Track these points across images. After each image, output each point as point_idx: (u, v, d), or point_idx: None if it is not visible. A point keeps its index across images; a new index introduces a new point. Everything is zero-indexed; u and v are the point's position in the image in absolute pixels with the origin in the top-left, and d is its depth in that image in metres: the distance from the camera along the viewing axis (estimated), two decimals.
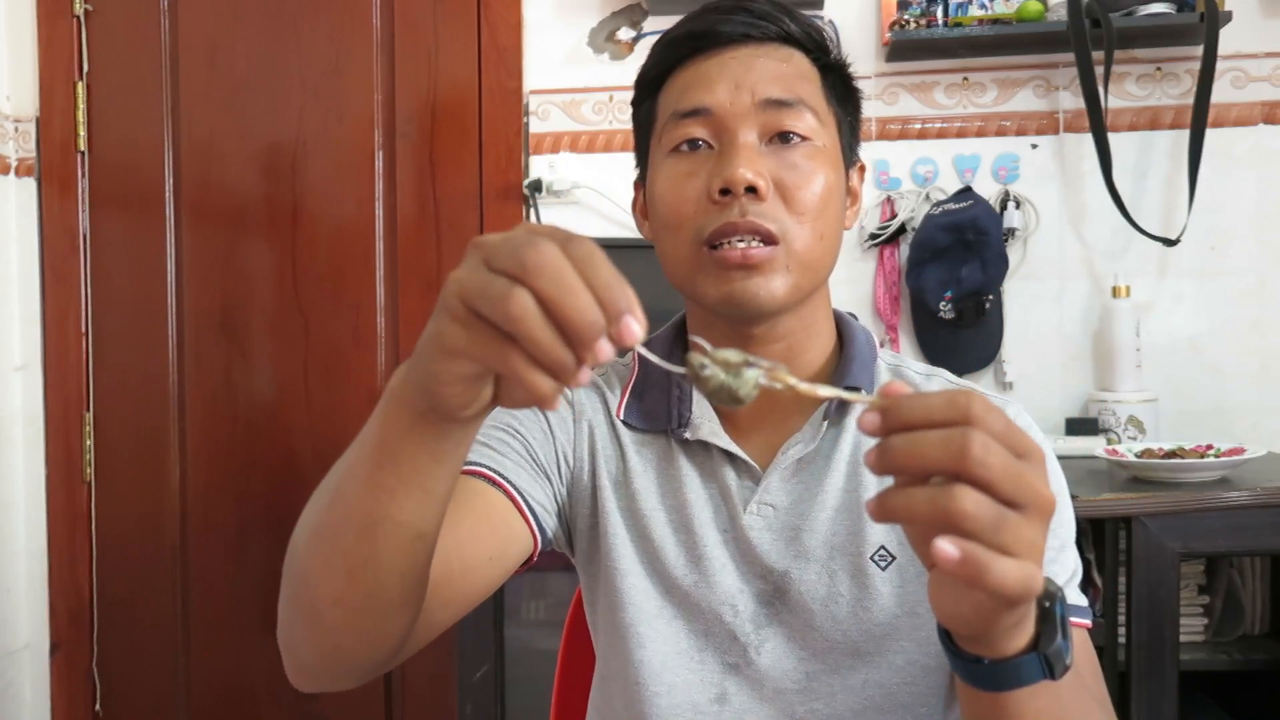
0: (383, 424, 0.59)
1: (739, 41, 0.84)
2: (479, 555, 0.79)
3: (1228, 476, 1.62)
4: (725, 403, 0.54)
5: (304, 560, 0.65)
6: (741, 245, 0.79)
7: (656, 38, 0.89)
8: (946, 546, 0.49)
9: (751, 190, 0.79)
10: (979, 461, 0.49)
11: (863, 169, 0.93)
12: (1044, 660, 0.58)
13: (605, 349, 0.48)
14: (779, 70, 0.83)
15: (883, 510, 0.52)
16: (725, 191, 0.80)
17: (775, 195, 0.81)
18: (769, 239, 0.80)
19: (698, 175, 0.82)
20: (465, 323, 0.50)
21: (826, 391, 0.55)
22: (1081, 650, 0.83)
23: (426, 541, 0.63)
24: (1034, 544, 0.52)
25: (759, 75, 0.82)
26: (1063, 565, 0.84)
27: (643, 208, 0.92)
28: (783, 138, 0.82)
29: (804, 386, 0.54)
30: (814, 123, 0.83)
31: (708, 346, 0.54)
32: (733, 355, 0.53)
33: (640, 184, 0.92)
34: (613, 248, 2.11)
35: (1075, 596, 0.85)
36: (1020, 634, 0.58)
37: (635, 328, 0.48)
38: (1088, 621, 0.85)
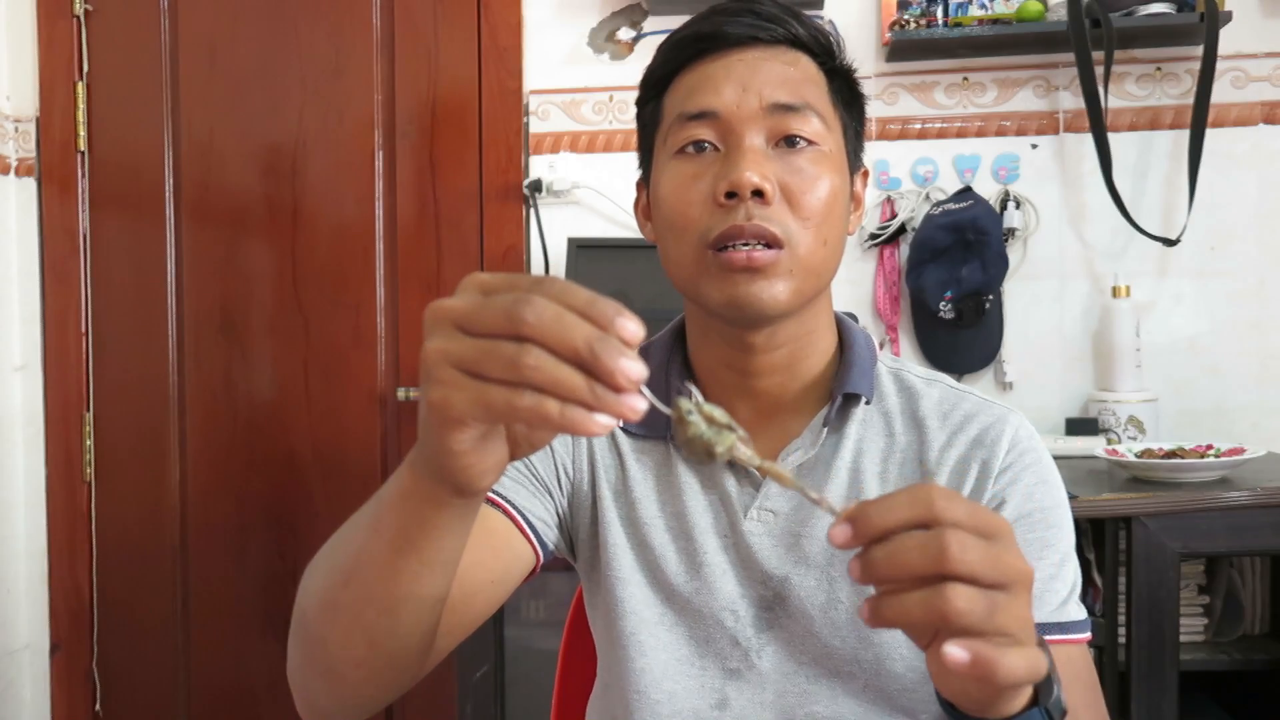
0: (401, 516, 0.59)
1: (746, 44, 0.83)
2: (481, 580, 0.80)
3: (1228, 476, 1.62)
4: (698, 455, 0.54)
5: (320, 629, 0.66)
6: (746, 248, 0.79)
7: (661, 38, 0.89)
8: (956, 652, 0.52)
9: (758, 194, 0.79)
10: (959, 560, 0.51)
11: (866, 174, 0.92)
12: (1045, 713, 0.61)
13: (632, 367, 0.47)
14: (786, 74, 0.83)
15: (878, 618, 0.54)
16: (731, 194, 0.79)
17: (781, 199, 0.80)
18: (773, 243, 0.79)
19: (703, 178, 0.82)
20: (464, 387, 0.50)
21: (789, 480, 0.56)
22: (1081, 664, 0.83)
23: (444, 601, 0.65)
24: (1025, 618, 0.54)
25: (766, 78, 0.82)
26: (1063, 580, 0.84)
27: (645, 208, 0.91)
28: (789, 141, 0.82)
29: (772, 467, 0.55)
30: (820, 127, 0.82)
31: (699, 397, 0.55)
32: (719, 414, 0.54)
33: (643, 184, 0.92)
34: (613, 248, 2.10)
35: (1076, 610, 0.85)
36: (1021, 694, 0.60)
37: (631, 326, 0.48)
38: (1088, 635, 0.85)
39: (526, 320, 0.47)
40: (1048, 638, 0.82)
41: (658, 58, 0.88)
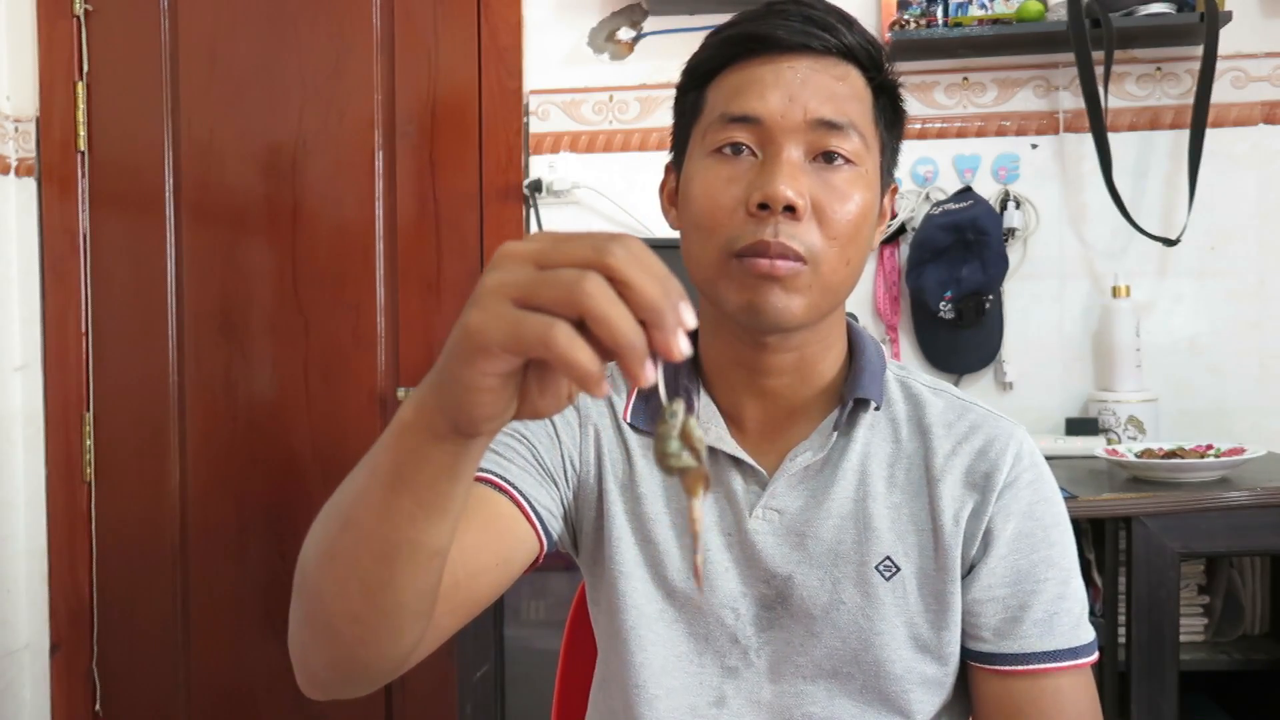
0: (397, 451, 0.59)
1: (797, 50, 0.82)
2: (485, 562, 0.80)
3: (1228, 476, 1.62)
4: (657, 454, 0.53)
5: (317, 581, 0.65)
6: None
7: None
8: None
9: (789, 209, 0.78)
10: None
11: (895, 190, 0.91)
12: None
13: (682, 344, 0.47)
14: (833, 89, 0.82)
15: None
16: (764, 206, 0.79)
17: (811, 216, 0.80)
18: (797, 259, 0.79)
19: (737, 182, 0.81)
20: (505, 316, 0.49)
21: (698, 531, 0.55)
22: (1083, 693, 0.83)
23: (442, 557, 0.64)
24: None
25: (814, 92, 0.81)
26: (1073, 598, 0.85)
27: (671, 194, 0.91)
28: (827, 157, 0.81)
29: (699, 514, 0.54)
30: (860, 146, 0.82)
31: (699, 414, 0.53)
32: (698, 440, 0.53)
33: (673, 169, 0.91)
34: None
35: (1086, 631, 0.85)
36: None
37: (691, 315, 0.48)
38: (1094, 657, 0.85)
39: (615, 253, 0.47)
40: (1061, 664, 0.83)
41: (705, 50, 0.87)
